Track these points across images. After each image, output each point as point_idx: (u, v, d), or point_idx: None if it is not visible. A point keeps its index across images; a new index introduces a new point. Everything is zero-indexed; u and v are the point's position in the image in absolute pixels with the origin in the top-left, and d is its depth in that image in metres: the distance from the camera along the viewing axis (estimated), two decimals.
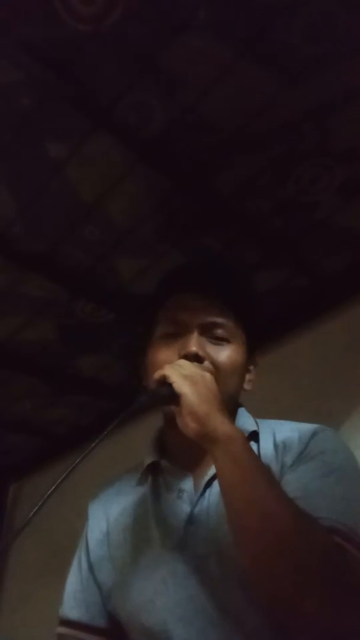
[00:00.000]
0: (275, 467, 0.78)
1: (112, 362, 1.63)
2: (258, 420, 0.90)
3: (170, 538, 0.79)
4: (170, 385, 0.73)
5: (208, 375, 0.77)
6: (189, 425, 0.71)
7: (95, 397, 1.78)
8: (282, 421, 0.88)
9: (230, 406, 0.84)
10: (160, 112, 0.95)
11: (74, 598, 0.87)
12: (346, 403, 1.26)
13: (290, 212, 1.16)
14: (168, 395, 0.73)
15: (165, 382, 0.74)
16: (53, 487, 0.64)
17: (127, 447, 1.71)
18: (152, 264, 1.26)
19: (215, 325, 0.86)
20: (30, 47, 0.85)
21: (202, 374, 0.76)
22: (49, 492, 0.63)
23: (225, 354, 0.85)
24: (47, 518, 2.05)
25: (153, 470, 0.89)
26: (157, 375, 0.76)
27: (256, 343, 0.94)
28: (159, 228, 1.18)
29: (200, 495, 0.80)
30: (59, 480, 0.63)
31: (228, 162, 1.05)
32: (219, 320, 0.87)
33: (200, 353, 0.83)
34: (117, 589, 0.82)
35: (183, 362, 0.79)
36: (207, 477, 0.81)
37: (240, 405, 0.92)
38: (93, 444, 0.70)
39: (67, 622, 0.86)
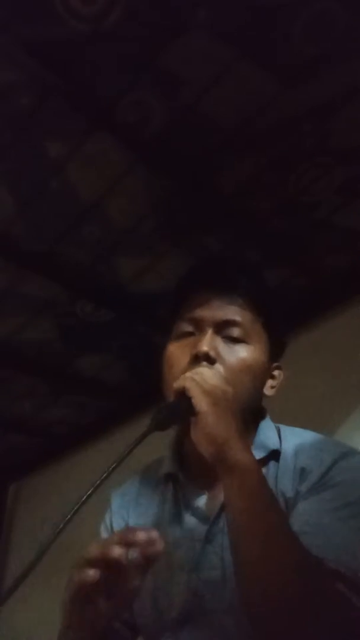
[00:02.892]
0: (290, 493, 0.75)
1: (112, 362, 1.63)
2: (283, 430, 0.85)
3: (185, 554, 0.77)
4: (189, 399, 0.69)
5: (230, 392, 0.72)
6: (204, 446, 0.68)
7: (95, 397, 1.78)
8: (310, 437, 0.83)
9: (246, 413, 0.80)
10: (160, 112, 0.95)
11: None
12: (346, 403, 1.26)
13: (291, 212, 1.15)
14: (186, 410, 0.69)
15: (184, 395, 0.70)
16: (62, 524, 0.58)
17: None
18: (152, 264, 1.26)
19: (232, 323, 0.81)
20: (30, 47, 0.85)
21: (224, 390, 0.71)
22: (60, 526, 0.57)
23: (239, 355, 0.80)
24: (47, 518, 2.06)
25: (171, 478, 0.86)
26: (176, 385, 0.72)
27: (281, 345, 0.89)
28: (159, 228, 1.18)
29: (216, 516, 0.77)
30: (68, 516, 0.58)
31: (228, 162, 1.04)
32: (236, 318, 0.82)
33: (212, 353, 0.78)
34: None
35: (205, 371, 0.74)
36: (221, 499, 0.77)
37: (264, 412, 0.88)
38: (110, 468, 0.65)
39: None
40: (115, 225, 1.17)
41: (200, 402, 0.69)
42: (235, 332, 0.81)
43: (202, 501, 0.81)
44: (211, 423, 0.68)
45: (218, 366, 0.78)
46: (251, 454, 0.69)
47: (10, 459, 2.16)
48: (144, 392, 1.74)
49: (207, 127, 0.97)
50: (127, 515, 0.88)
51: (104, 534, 0.88)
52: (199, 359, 0.78)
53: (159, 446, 0.92)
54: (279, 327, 0.88)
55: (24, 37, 0.84)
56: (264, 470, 0.77)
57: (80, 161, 1.03)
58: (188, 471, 0.84)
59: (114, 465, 0.66)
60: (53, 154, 1.02)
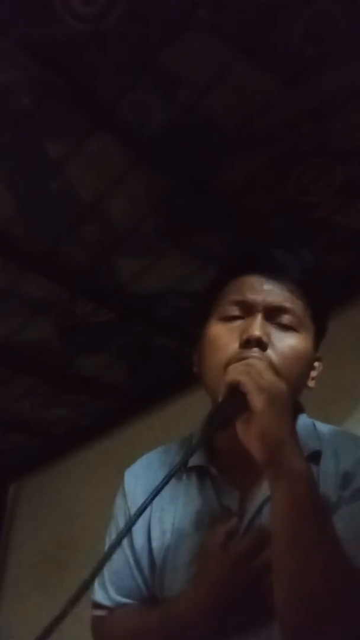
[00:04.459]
0: (333, 497, 0.72)
1: (112, 362, 1.63)
2: (321, 429, 0.83)
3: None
4: (243, 394, 0.65)
5: (285, 389, 0.68)
6: (256, 447, 0.65)
7: (95, 397, 1.78)
8: (346, 436, 0.81)
9: (291, 406, 0.75)
10: (160, 112, 0.95)
11: (120, 583, 0.81)
12: (346, 403, 1.26)
13: (290, 212, 1.15)
14: (240, 407, 0.65)
15: (237, 390, 0.66)
16: (70, 603, 0.55)
17: (128, 447, 1.71)
18: (152, 264, 1.26)
19: (283, 310, 0.78)
20: (30, 47, 0.85)
21: (280, 387, 0.68)
22: (69, 605, 0.54)
23: (290, 343, 0.77)
24: (47, 518, 2.06)
25: (199, 470, 0.82)
26: (229, 378, 0.68)
27: (323, 337, 0.85)
28: (159, 228, 1.18)
29: (250, 520, 0.75)
30: (78, 594, 0.55)
31: (228, 161, 1.04)
32: (288, 305, 0.78)
33: (264, 339, 0.74)
34: (153, 586, 0.79)
35: (257, 363, 0.70)
36: (257, 502, 0.75)
37: (301, 409, 0.85)
38: (167, 478, 0.61)
39: (120, 605, 0.80)
40: (116, 225, 1.17)
41: (257, 400, 0.65)
42: (286, 319, 0.78)
43: (233, 498, 0.78)
44: (267, 423, 0.65)
45: (270, 352, 0.74)
46: (304, 458, 0.66)
47: (10, 459, 2.16)
48: (144, 392, 1.75)
49: (207, 127, 0.97)
50: (162, 508, 0.83)
51: (120, 518, 0.85)
52: (250, 343, 0.74)
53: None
54: (326, 318, 0.85)
55: (24, 37, 0.84)
56: None
57: (80, 161, 1.03)
58: (219, 464, 0.80)
59: (171, 473, 0.63)
60: (53, 154, 1.02)
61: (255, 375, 0.67)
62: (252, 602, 0.68)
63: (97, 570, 0.56)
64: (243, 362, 0.70)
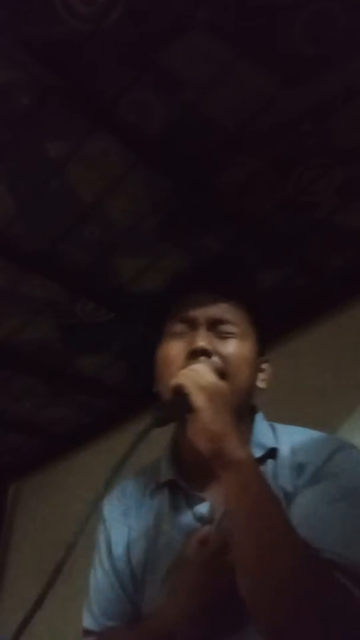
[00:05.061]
0: (289, 489, 0.76)
1: (112, 361, 1.63)
2: (279, 428, 0.87)
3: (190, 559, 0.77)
4: (185, 396, 0.71)
5: (225, 387, 0.75)
6: (201, 442, 0.69)
7: (95, 396, 1.79)
8: (306, 432, 0.85)
9: (242, 407, 0.83)
10: (160, 112, 0.95)
11: (106, 606, 0.85)
12: (346, 403, 1.26)
13: (290, 212, 1.15)
14: (183, 407, 0.71)
15: (180, 392, 0.72)
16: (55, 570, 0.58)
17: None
18: (152, 264, 1.26)
19: (223, 320, 0.86)
20: (30, 47, 0.85)
21: (218, 385, 0.74)
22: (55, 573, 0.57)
23: (233, 347, 0.84)
24: (47, 518, 2.06)
25: (170, 485, 0.87)
26: (172, 383, 0.74)
27: (267, 341, 0.93)
28: (159, 228, 1.18)
29: (220, 520, 0.78)
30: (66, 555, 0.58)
31: (228, 162, 1.04)
32: (227, 315, 0.87)
33: (209, 347, 0.82)
34: (137, 599, 0.82)
35: (199, 367, 0.77)
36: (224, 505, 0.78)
37: (256, 409, 0.90)
38: (114, 468, 0.66)
39: (106, 629, 0.84)
40: (116, 225, 1.17)
41: (197, 398, 0.70)
42: (228, 328, 0.86)
43: (204, 506, 0.81)
44: (208, 418, 0.69)
45: (215, 359, 0.81)
46: (248, 449, 0.71)
47: (10, 459, 2.16)
48: (144, 392, 1.74)
49: (207, 127, 0.98)
50: (127, 522, 0.88)
51: (103, 546, 0.89)
52: (196, 354, 0.81)
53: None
54: (266, 324, 0.92)
55: (24, 37, 0.84)
56: (262, 468, 0.78)
57: (80, 161, 1.03)
58: (187, 476, 0.85)
59: (119, 464, 0.67)
60: (53, 154, 1.02)
61: (195, 376, 0.73)
62: (234, 604, 0.69)
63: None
64: (186, 367, 0.77)
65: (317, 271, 1.32)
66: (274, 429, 0.87)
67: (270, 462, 0.81)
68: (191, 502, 0.83)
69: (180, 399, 0.71)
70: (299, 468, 0.77)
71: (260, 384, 0.90)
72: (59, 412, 1.87)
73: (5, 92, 0.91)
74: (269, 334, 0.95)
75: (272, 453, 0.82)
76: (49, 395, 1.77)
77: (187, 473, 0.85)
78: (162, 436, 0.86)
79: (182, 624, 0.72)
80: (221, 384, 0.75)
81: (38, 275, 1.29)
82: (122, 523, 0.89)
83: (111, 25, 0.83)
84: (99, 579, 0.86)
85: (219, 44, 0.85)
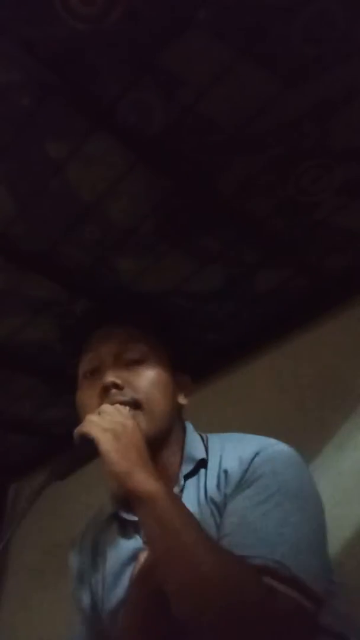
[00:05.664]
0: (219, 498, 0.77)
1: None
2: (211, 438, 0.89)
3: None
4: (92, 441, 0.74)
5: (130, 424, 0.77)
6: (111, 482, 0.74)
7: None
8: (235, 438, 0.87)
9: (166, 428, 0.86)
10: (160, 112, 0.95)
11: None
12: (346, 403, 1.25)
13: (290, 212, 1.15)
14: (91, 452, 0.73)
15: (86, 439, 0.74)
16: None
17: None
18: (152, 264, 1.26)
19: (127, 349, 0.89)
20: (30, 47, 0.85)
21: (124, 424, 0.76)
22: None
23: (144, 374, 0.87)
24: (47, 518, 2.06)
25: (116, 517, 0.91)
26: (77, 432, 0.77)
27: (182, 356, 0.95)
28: (159, 228, 1.18)
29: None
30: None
31: (228, 162, 1.04)
32: (129, 344, 0.90)
33: (118, 381, 0.85)
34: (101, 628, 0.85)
35: (106, 407, 0.80)
36: None
37: (184, 424, 0.92)
38: (7, 536, 0.72)
39: None
40: (116, 226, 1.17)
41: (102, 442, 0.73)
42: (134, 354, 0.89)
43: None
44: (112, 459, 0.72)
45: (127, 390, 0.85)
46: (157, 481, 0.72)
47: (10, 459, 2.16)
48: None
49: (207, 127, 0.98)
50: (98, 564, 0.91)
51: (73, 593, 0.92)
52: (107, 389, 0.84)
53: None
54: (176, 338, 0.96)
55: (24, 37, 0.84)
56: (194, 481, 0.83)
57: (80, 161, 1.03)
58: (127, 505, 0.88)
59: (16, 521, 0.71)
60: (53, 154, 1.02)
61: (97, 420, 0.76)
62: (172, 622, 0.70)
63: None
64: (94, 412, 0.80)
65: (317, 271, 1.32)
66: (204, 440, 0.89)
67: (202, 472, 0.83)
68: (136, 529, 0.86)
69: (87, 446, 0.74)
70: (225, 475, 0.79)
71: (182, 400, 0.92)
72: (59, 412, 1.86)
73: (5, 92, 0.91)
74: (182, 348, 0.98)
75: (202, 464, 0.84)
76: (49, 395, 1.76)
77: (126, 503, 0.88)
78: None
79: (133, 632, 0.74)
80: (126, 422, 0.77)
81: (38, 275, 1.28)
82: (94, 567, 0.92)
83: (111, 26, 0.83)
84: (74, 624, 0.91)
85: (219, 44, 0.85)
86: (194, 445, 0.88)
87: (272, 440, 0.82)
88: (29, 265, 1.26)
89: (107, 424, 0.75)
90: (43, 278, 1.29)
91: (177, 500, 0.73)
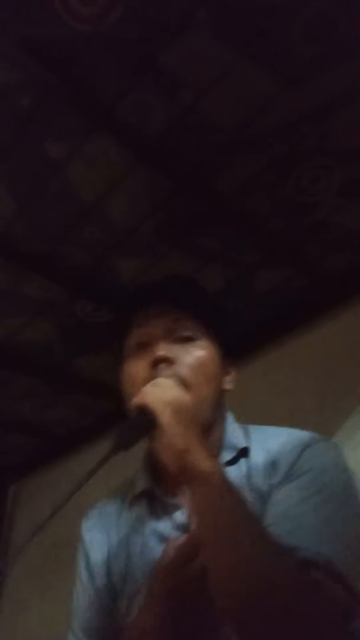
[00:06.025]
0: (264, 489, 0.76)
1: (112, 362, 1.62)
2: (251, 429, 0.88)
3: None
4: (151, 413, 0.71)
5: (189, 400, 0.74)
6: (166, 457, 0.70)
7: (95, 397, 1.78)
8: (278, 431, 0.85)
9: (210, 412, 0.84)
10: (160, 112, 0.95)
11: (88, 625, 0.86)
12: (346, 403, 1.26)
13: (290, 212, 1.16)
14: (148, 425, 0.71)
15: (145, 411, 0.72)
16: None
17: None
18: (152, 264, 1.26)
19: (179, 326, 0.87)
20: (30, 47, 0.85)
21: (183, 399, 0.74)
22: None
23: (195, 352, 0.85)
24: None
25: (147, 494, 0.87)
26: (136, 402, 0.74)
27: (230, 344, 0.93)
28: (159, 228, 1.18)
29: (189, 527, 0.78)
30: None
31: (228, 162, 1.05)
32: (181, 321, 0.88)
33: (169, 355, 0.83)
34: (116, 612, 0.83)
35: (163, 381, 0.77)
36: None
37: (226, 410, 0.90)
38: (72, 493, 0.69)
39: None
40: (116, 226, 1.17)
41: (162, 415, 0.70)
42: (186, 331, 0.87)
43: (181, 513, 0.81)
44: (172, 433, 0.69)
45: (177, 366, 0.82)
46: (214, 461, 0.71)
47: (10, 459, 2.16)
48: None
49: (207, 127, 0.98)
50: (105, 539, 0.89)
51: (82, 565, 0.90)
52: (158, 363, 0.82)
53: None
54: (224, 329, 0.93)
55: (24, 37, 0.84)
56: (235, 469, 0.81)
57: (80, 161, 1.03)
58: (163, 484, 0.86)
59: (78, 487, 0.69)
60: (53, 154, 1.02)
61: (158, 393, 0.73)
62: (205, 608, 0.69)
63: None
64: (149, 383, 0.77)
65: (317, 271, 1.32)
66: (245, 430, 0.88)
67: (243, 461, 0.82)
68: (168, 510, 0.83)
69: (146, 418, 0.72)
70: (272, 466, 0.78)
71: (228, 385, 0.90)
72: (59, 412, 1.87)
73: (5, 92, 0.91)
74: (232, 337, 0.95)
75: (244, 452, 0.83)
76: (49, 395, 1.77)
77: (162, 482, 0.86)
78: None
79: (156, 630, 0.72)
80: (185, 397, 0.75)
81: (38, 275, 1.29)
82: (100, 541, 0.89)
83: (111, 26, 0.83)
84: (80, 599, 0.88)
85: (219, 44, 0.85)
86: (235, 433, 0.86)
87: (319, 436, 0.82)
88: (29, 265, 1.26)
89: (167, 397, 0.72)
90: (43, 278, 1.30)
91: (232, 482, 0.71)
